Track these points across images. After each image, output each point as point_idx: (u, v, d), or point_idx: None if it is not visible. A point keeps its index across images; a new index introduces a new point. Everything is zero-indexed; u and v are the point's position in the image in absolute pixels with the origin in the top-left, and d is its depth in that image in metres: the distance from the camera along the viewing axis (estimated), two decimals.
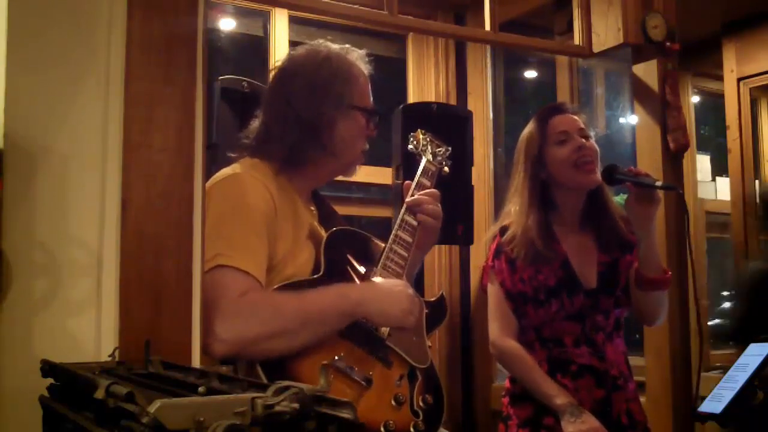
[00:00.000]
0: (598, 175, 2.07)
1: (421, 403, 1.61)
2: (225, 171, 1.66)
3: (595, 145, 2.12)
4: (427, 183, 1.85)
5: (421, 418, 1.59)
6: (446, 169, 1.91)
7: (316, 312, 1.52)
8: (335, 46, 1.76)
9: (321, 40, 1.78)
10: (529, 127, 2.18)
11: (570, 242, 2.13)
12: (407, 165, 2.57)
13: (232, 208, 1.54)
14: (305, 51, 1.77)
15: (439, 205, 1.82)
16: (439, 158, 1.90)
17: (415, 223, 1.77)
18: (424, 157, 1.89)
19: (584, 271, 2.10)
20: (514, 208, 2.15)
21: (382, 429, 1.52)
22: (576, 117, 2.16)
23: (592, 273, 2.11)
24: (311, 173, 1.74)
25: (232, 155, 1.77)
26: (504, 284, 2.12)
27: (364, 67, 1.78)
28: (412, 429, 1.57)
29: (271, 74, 1.78)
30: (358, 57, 1.77)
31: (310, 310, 1.51)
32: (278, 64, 1.78)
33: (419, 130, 1.93)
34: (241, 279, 1.47)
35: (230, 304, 1.44)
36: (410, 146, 1.91)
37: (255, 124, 1.76)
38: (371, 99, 1.79)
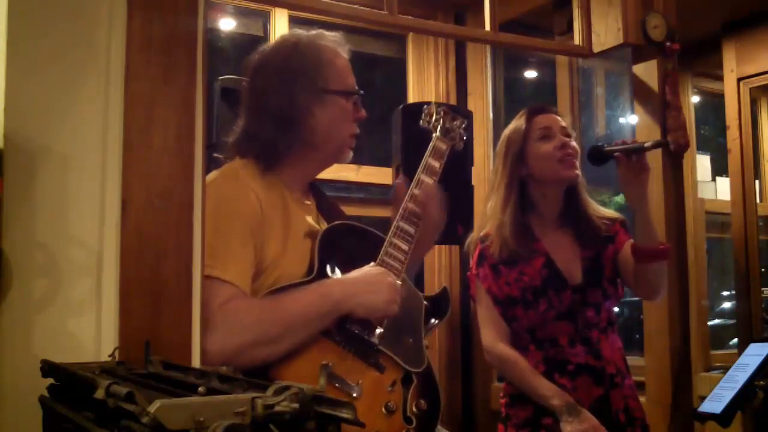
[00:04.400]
0: (578, 172, 2.11)
1: (414, 409, 1.55)
2: (211, 175, 1.59)
3: (576, 145, 2.14)
4: (436, 165, 1.73)
5: (413, 425, 1.53)
6: (460, 144, 1.80)
7: (299, 315, 1.48)
8: (306, 33, 1.68)
9: (294, 30, 1.72)
10: (512, 126, 2.20)
11: (551, 240, 2.14)
12: (407, 165, 2.57)
13: (214, 216, 1.48)
14: (275, 43, 1.71)
15: (438, 205, 1.72)
16: (452, 134, 1.78)
17: (415, 221, 1.68)
18: (434, 134, 1.77)
19: (568, 267, 2.11)
20: (491, 206, 2.17)
21: None
22: (559, 117, 2.18)
23: (576, 268, 2.12)
24: (299, 167, 1.66)
25: (219, 156, 1.72)
26: (490, 290, 2.12)
27: (341, 50, 1.69)
28: None
29: (246, 70, 1.70)
30: (331, 40, 1.68)
31: (292, 313, 1.47)
32: (251, 59, 1.70)
33: (433, 102, 1.83)
34: (222, 289, 1.44)
35: (211, 314, 1.40)
36: (421, 122, 1.80)
37: (240, 123, 1.70)
38: (353, 80, 1.68)
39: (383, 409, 1.51)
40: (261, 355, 1.44)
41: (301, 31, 1.70)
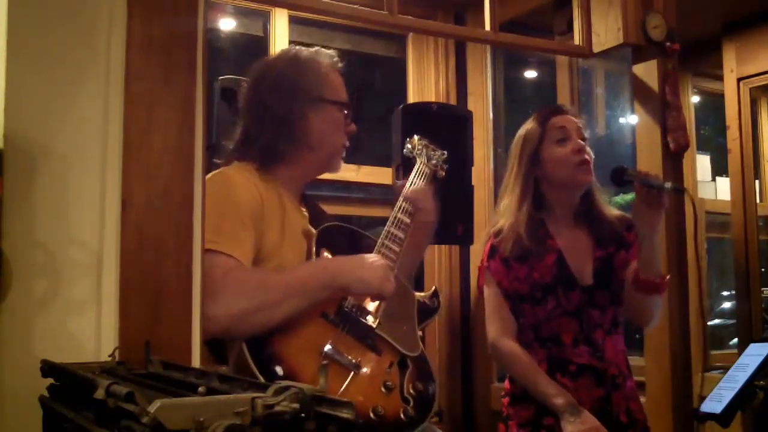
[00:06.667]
0: (593, 176, 2.11)
1: (411, 391, 1.63)
2: (213, 172, 1.72)
3: (590, 151, 2.14)
4: (421, 183, 1.91)
5: (411, 405, 1.60)
6: (441, 172, 1.98)
7: (298, 283, 1.57)
8: (305, 49, 1.84)
9: (292, 45, 1.88)
10: (528, 126, 2.20)
11: (564, 238, 2.14)
12: (407, 165, 2.57)
13: (218, 201, 1.58)
14: (276, 55, 1.87)
15: (431, 200, 1.88)
16: (434, 161, 1.97)
17: (410, 212, 1.83)
18: (418, 159, 1.96)
19: (580, 267, 2.11)
20: (505, 204, 2.17)
21: (371, 413, 1.53)
22: (575, 119, 2.18)
23: (587, 269, 2.11)
24: (293, 170, 1.78)
25: (219, 161, 1.81)
26: (501, 284, 2.12)
27: (336, 67, 1.84)
28: (401, 415, 1.58)
29: (246, 81, 1.85)
30: (326, 56, 1.84)
31: (291, 282, 1.57)
32: (253, 68, 1.85)
33: (415, 136, 2.01)
34: (226, 261, 1.53)
35: (215, 283, 1.47)
36: (405, 151, 2.00)
37: (238, 129, 1.82)
38: (345, 95, 1.83)
39: (382, 387, 1.59)
40: (260, 322, 1.52)
41: (301, 47, 1.85)
